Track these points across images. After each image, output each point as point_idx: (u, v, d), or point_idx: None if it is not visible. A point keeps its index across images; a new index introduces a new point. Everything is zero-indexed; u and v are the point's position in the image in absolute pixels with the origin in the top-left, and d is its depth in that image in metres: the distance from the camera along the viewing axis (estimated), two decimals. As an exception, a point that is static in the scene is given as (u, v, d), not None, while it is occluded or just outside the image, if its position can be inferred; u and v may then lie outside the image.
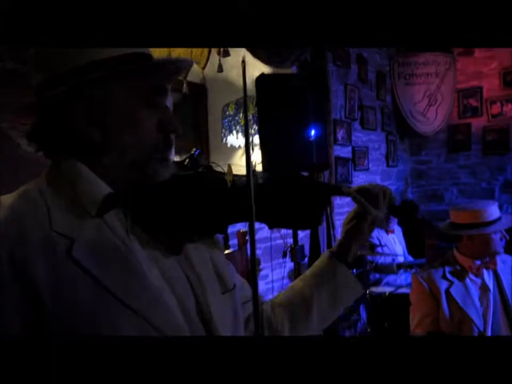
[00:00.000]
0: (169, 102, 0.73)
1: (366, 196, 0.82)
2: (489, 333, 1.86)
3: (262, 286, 2.98)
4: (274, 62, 2.66)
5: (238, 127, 2.60)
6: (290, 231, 2.67)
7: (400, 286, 3.37)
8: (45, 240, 0.61)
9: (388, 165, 4.97)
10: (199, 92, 2.65)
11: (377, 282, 3.65)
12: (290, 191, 0.76)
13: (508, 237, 1.92)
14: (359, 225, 0.87)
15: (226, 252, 2.60)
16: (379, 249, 3.61)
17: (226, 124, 2.60)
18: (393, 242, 3.93)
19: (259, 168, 2.73)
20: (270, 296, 2.98)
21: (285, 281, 3.08)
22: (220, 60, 2.23)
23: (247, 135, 0.57)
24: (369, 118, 4.52)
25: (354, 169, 4.26)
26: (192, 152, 0.76)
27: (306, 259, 2.93)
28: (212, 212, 0.72)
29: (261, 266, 2.98)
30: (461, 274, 1.93)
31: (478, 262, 1.93)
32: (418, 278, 1.93)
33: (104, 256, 0.64)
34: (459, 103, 5.16)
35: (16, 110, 0.66)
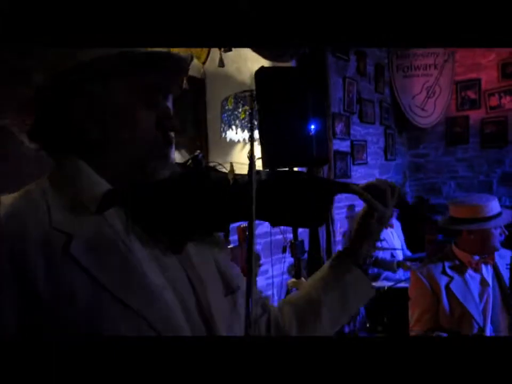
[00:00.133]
0: (170, 100, 0.72)
1: (373, 193, 0.81)
2: (488, 328, 1.86)
3: (262, 281, 2.98)
4: (274, 56, 2.63)
5: (237, 121, 2.57)
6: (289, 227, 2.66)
7: (399, 281, 3.37)
8: (44, 237, 0.61)
9: (386, 159, 4.97)
10: (199, 86, 2.62)
11: (376, 277, 3.66)
12: (295, 189, 0.75)
13: (507, 232, 1.91)
14: (368, 224, 0.85)
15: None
16: (378, 243, 3.61)
17: (226, 118, 2.57)
18: (391, 237, 3.94)
19: (259, 162, 2.71)
20: (270, 292, 2.99)
21: (285, 276, 3.08)
22: (221, 54, 2.20)
23: (252, 141, 0.55)
24: (368, 111, 4.51)
25: (353, 163, 4.25)
26: (195, 153, 0.74)
27: (306, 254, 2.93)
28: (212, 210, 0.71)
29: (261, 262, 2.97)
30: (460, 270, 1.92)
31: (477, 257, 1.92)
32: (417, 274, 1.92)
33: (103, 254, 0.64)
34: (457, 95, 5.16)
35: (17, 108, 0.65)
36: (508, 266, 1.88)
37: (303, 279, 2.81)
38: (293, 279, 2.77)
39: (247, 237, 0.60)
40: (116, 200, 0.67)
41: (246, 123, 2.60)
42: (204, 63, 2.23)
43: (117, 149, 0.68)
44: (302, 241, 2.75)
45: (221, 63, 2.21)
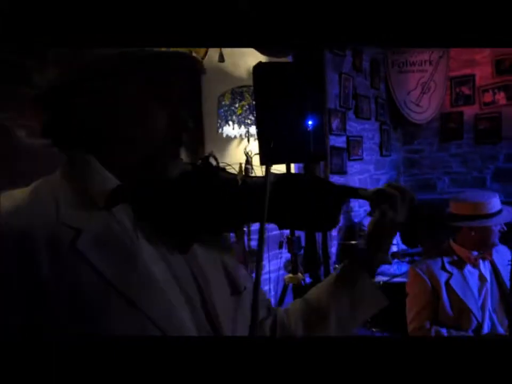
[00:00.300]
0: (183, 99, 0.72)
1: (383, 198, 0.79)
2: (486, 324, 1.88)
3: (258, 277, 2.98)
4: (271, 51, 2.62)
5: (234, 117, 2.56)
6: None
7: (395, 275, 3.39)
8: (52, 232, 0.61)
9: (381, 155, 4.98)
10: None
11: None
12: (305, 193, 0.74)
13: (506, 229, 1.92)
14: (379, 230, 0.83)
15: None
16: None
17: (222, 113, 2.56)
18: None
19: (256, 158, 2.71)
20: (267, 287, 2.99)
21: (281, 272, 3.08)
22: (221, 50, 2.19)
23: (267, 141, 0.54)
24: (364, 107, 4.51)
25: (349, 159, 4.25)
26: (207, 154, 0.74)
27: (302, 250, 2.94)
28: (220, 211, 0.70)
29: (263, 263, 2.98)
30: (459, 265, 1.93)
31: (475, 253, 1.94)
32: (417, 270, 1.93)
33: (110, 250, 0.64)
34: (451, 91, 5.17)
35: (20, 105, 0.65)
36: (509, 263, 1.90)
37: (300, 274, 2.82)
38: (290, 275, 2.78)
39: (246, 232, 0.59)
40: (124, 196, 0.67)
41: (243, 118, 2.59)
42: (203, 58, 2.22)
43: (127, 146, 0.68)
44: (299, 237, 2.75)
45: (221, 58, 2.20)
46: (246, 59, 2.84)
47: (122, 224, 0.66)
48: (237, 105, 2.57)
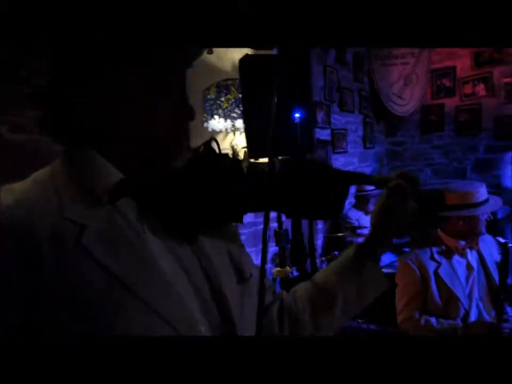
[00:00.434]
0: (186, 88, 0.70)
1: (397, 190, 0.78)
2: (473, 312, 1.91)
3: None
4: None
5: (219, 110, 2.54)
6: (274, 214, 2.65)
7: (382, 266, 3.42)
8: (55, 227, 0.59)
9: (365, 147, 5.02)
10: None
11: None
12: (313, 180, 0.73)
13: (492, 217, 1.96)
14: (385, 218, 0.82)
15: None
16: (359, 231, 3.65)
17: (208, 107, 2.54)
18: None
19: (242, 152, 2.69)
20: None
21: (269, 265, 3.08)
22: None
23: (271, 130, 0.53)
24: (347, 100, 4.53)
25: (333, 152, 4.27)
26: (208, 139, 0.72)
27: (289, 244, 2.94)
28: (226, 199, 0.69)
29: (245, 252, 2.97)
30: (447, 255, 1.96)
31: (463, 243, 1.97)
32: (406, 261, 1.95)
33: (115, 244, 0.62)
34: (433, 83, 5.23)
35: (17, 103, 0.63)
36: (496, 252, 1.94)
37: (287, 268, 2.83)
38: (278, 268, 2.78)
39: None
40: (128, 189, 0.65)
41: (229, 112, 2.57)
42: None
43: (131, 139, 0.66)
44: (287, 230, 2.75)
45: (210, 50, 2.17)
46: (231, 52, 2.82)
47: (126, 218, 0.65)
48: (222, 98, 2.55)
